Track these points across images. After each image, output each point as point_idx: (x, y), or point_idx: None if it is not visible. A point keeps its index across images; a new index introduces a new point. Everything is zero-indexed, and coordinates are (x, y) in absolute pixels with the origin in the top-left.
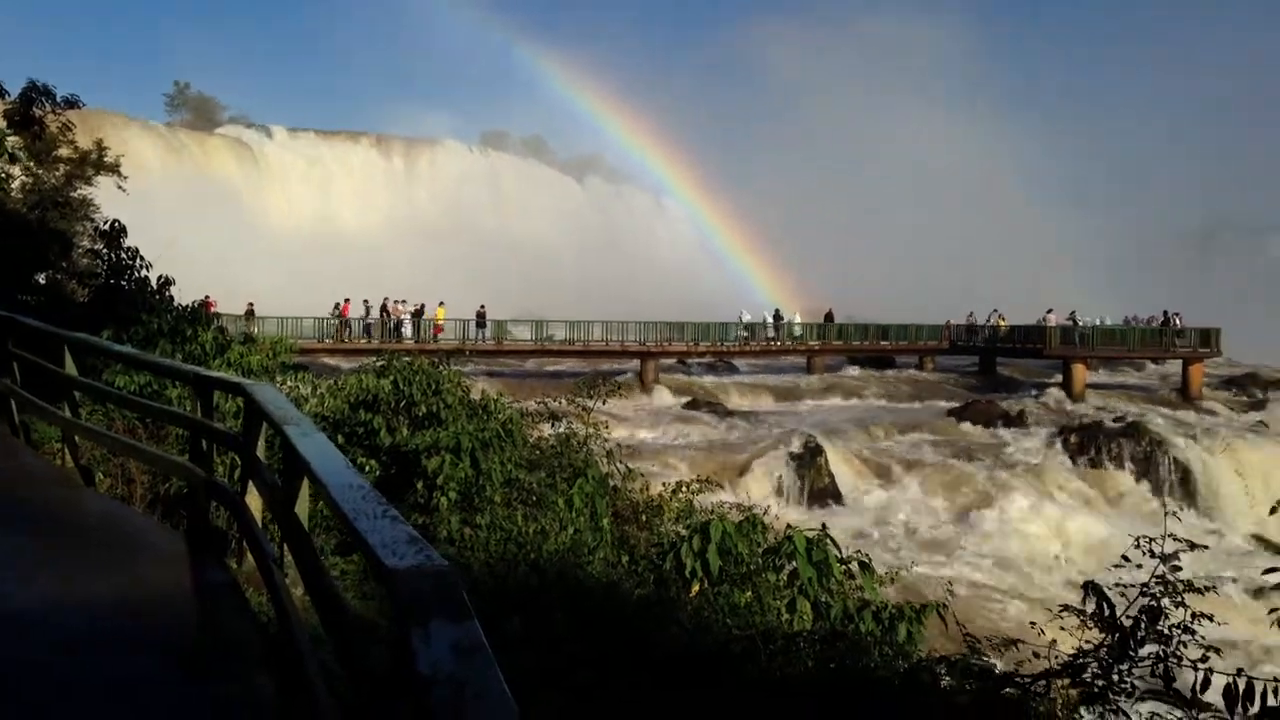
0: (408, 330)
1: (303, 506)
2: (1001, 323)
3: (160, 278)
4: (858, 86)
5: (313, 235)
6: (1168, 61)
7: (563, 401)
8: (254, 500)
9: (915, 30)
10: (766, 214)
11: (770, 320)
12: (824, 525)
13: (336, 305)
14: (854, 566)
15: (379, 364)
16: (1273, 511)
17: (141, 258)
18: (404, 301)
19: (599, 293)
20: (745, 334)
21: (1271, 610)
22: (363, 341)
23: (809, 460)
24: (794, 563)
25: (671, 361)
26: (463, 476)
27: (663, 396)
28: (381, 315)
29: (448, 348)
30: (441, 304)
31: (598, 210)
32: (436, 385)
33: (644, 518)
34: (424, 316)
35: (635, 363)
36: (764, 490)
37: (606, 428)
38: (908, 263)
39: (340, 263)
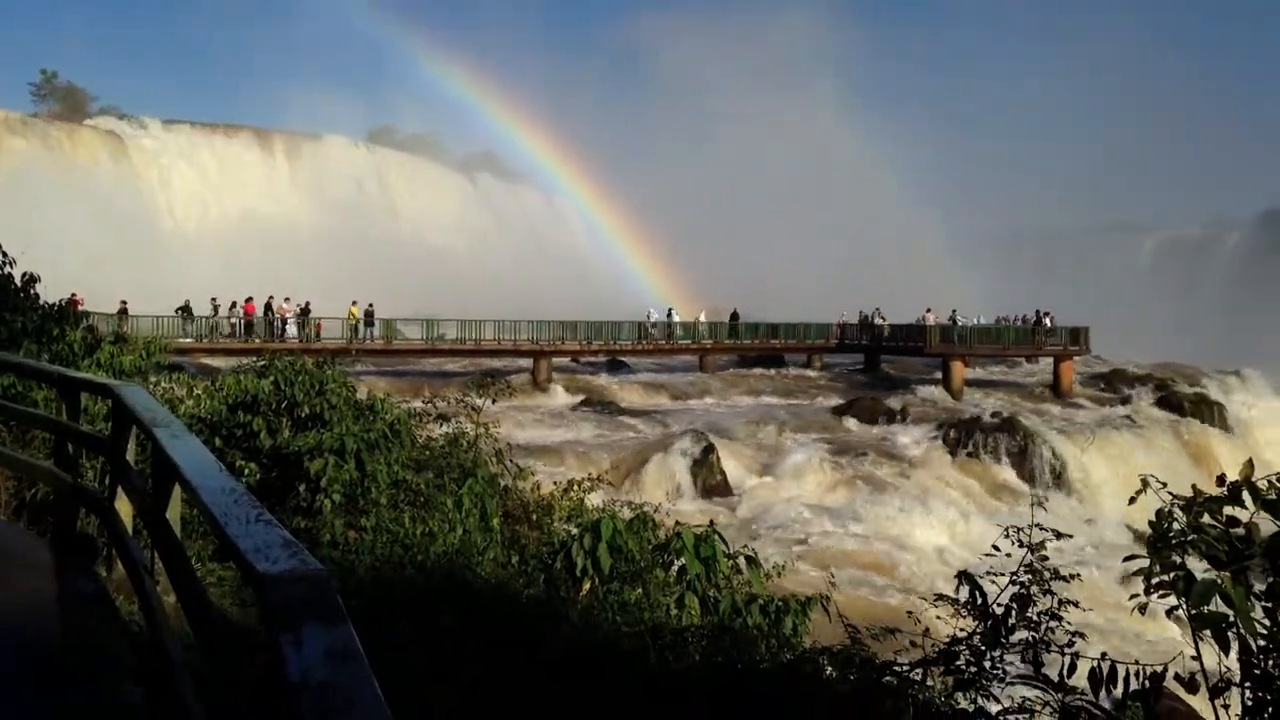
0: (292, 330)
1: (174, 512)
2: (881, 321)
3: (25, 275)
4: (751, 84)
5: (189, 232)
6: (1047, 63)
7: (451, 401)
8: (124, 506)
9: (809, 28)
10: (661, 212)
11: (668, 319)
12: (712, 522)
13: (213, 302)
14: (741, 561)
15: (259, 364)
16: (1131, 501)
17: (4, 254)
18: (288, 300)
19: (491, 291)
20: (655, 332)
21: (1132, 596)
22: (254, 341)
23: (701, 458)
24: (683, 559)
25: (565, 360)
26: (347, 478)
27: (556, 395)
28: (266, 315)
29: (333, 347)
30: (354, 303)
31: (490, 208)
32: (320, 385)
33: (535, 517)
34: (310, 315)
35: (528, 362)
36: (657, 488)
37: (497, 427)
38: (804, 262)
39: (218, 261)
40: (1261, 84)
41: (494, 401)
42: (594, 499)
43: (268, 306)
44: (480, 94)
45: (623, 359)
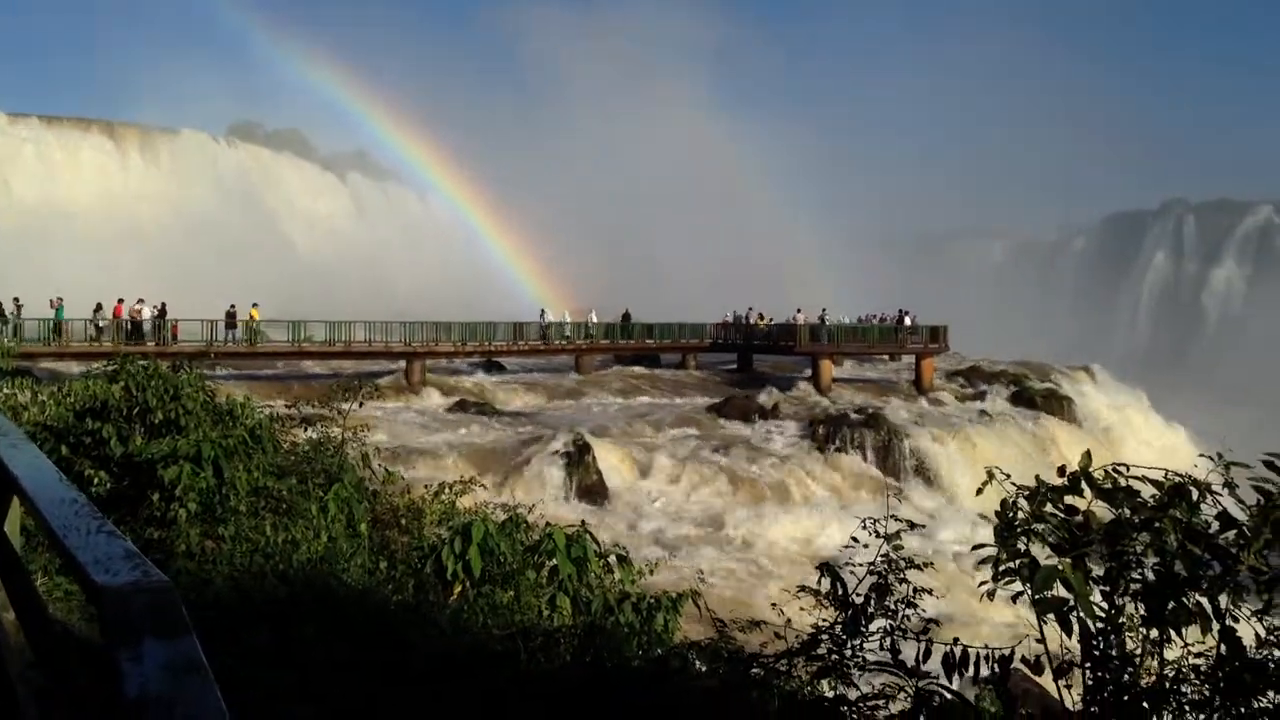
0: (147, 331)
1: (13, 525)
2: (760, 321)
3: None
4: (629, 83)
5: (37, 229)
6: (913, 71)
7: (316, 405)
8: None
9: (687, 24)
10: (539, 211)
11: (541, 320)
12: (584, 522)
13: (51, 303)
14: (613, 560)
15: (110, 368)
16: (978, 492)
17: None
18: (142, 301)
19: (362, 292)
20: (547, 332)
21: (981, 584)
22: (109, 345)
23: (577, 458)
24: (555, 560)
25: (440, 362)
26: (204, 486)
27: (430, 397)
28: (112, 316)
29: (191, 350)
30: (255, 305)
31: (360, 207)
32: (175, 390)
33: (404, 522)
34: (166, 316)
35: (401, 364)
36: (532, 489)
37: (367, 431)
38: (687, 261)
39: (69, 260)
40: (1108, 95)
41: (361, 404)
42: (466, 502)
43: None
44: (350, 90)
45: (499, 360)
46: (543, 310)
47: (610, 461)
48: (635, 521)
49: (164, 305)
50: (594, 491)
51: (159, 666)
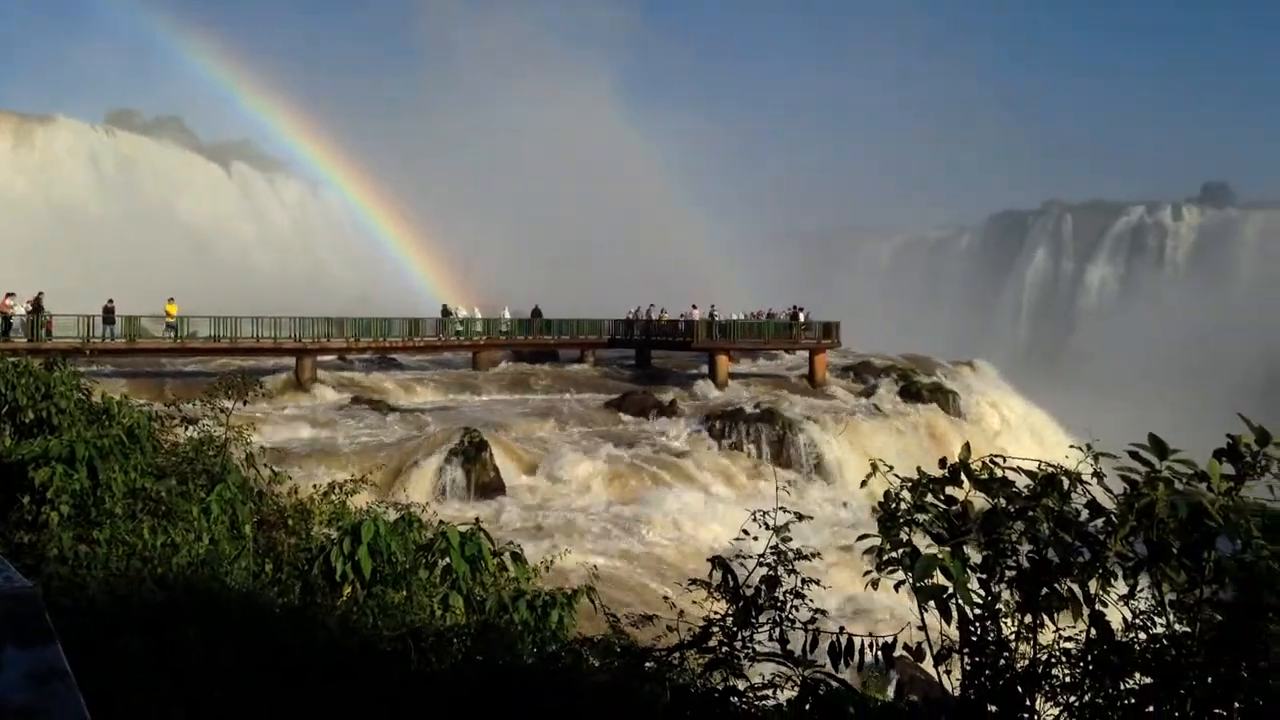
0: (17, 327)
1: None
2: (662, 317)
3: None
4: (532, 72)
5: None
6: (807, 70)
7: (198, 403)
8: None
9: (590, 19)
10: (436, 205)
11: (441, 316)
12: (478, 519)
13: None
14: (507, 558)
15: None
16: (863, 484)
17: None
18: (13, 295)
19: (250, 285)
20: (444, 327)
21: (866, 573)
22: None
23: (473, 455)
24: (448, 559)
25: (331, 359)
26: (77, 488)
27: (321, 395)
28: None
29: (65, 347)
30: (171, 300)
31: (247, 198)
32: (47, 388)
33: (291, 522)
34: (42, 311)
35: (291, 360)
36: (427, 487)
37: (253, 429)
38: (588, 256)
39: None
40: (994, 96)
41: (245, 402)
42: (357, 501)
43: None
44: (234, 76)
45: (394, 357)
46: (444, 306)
47: (507, 458)
48: (532, 518)
49: (39, 299)
50: (490, 488)
51: (20, 675)
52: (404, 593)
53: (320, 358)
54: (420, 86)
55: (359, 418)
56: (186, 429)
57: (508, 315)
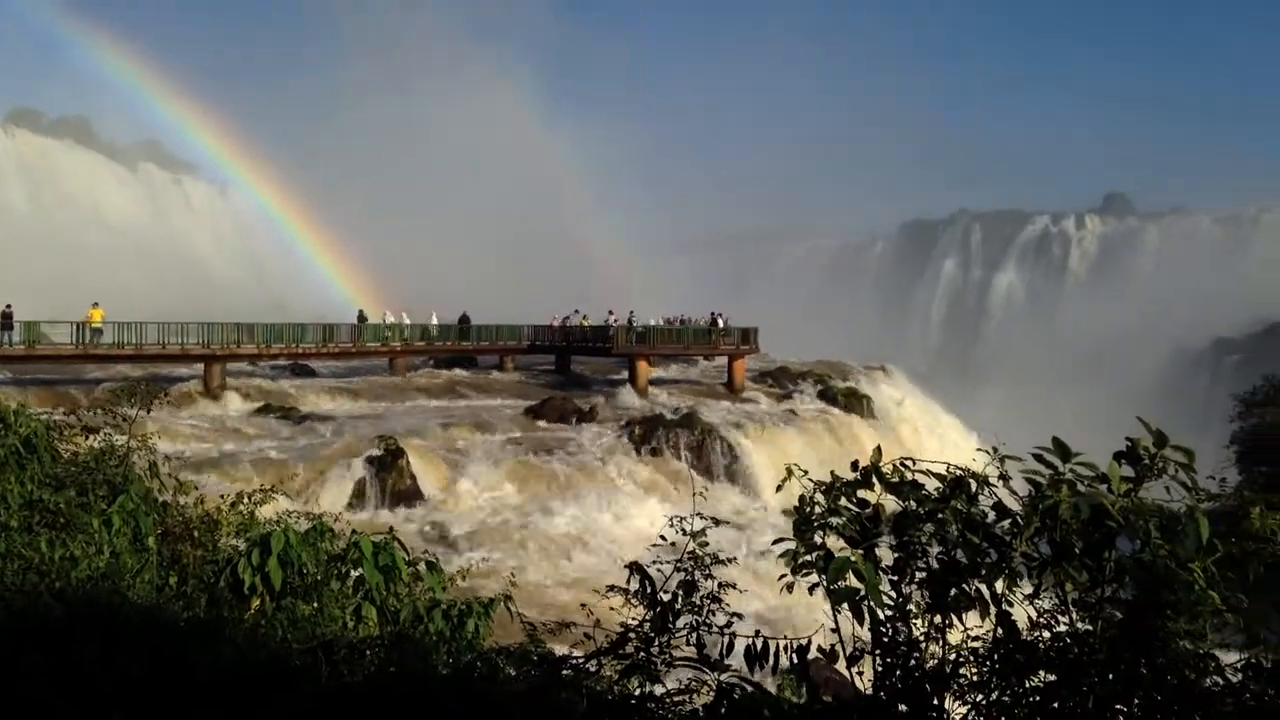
0: None
1: None
2: (584, 323)
3: None
4: (450, 74)
5: None
6: (727, 78)
7: (100, 411)
8: None
9: (509, 21)
10: (352, 208)
11: (358, 322)
12: (392, 529)
13: None
14: (422, 567)
15: None
16: (778, 488)
17: None
18: None
19: (156, 290)
20: (360, 334)
21: (781, 577)
22: None
23: (389, 462)
24: (361, 569)
25: (242, 366)
26: None
27: (231, 403)
28: None
29: None
30: (96, 305)
31: (154, 201)
32: None
33: (197, 534)
34: None
35: (200, 367)
36: (341, 495)
37: (158, 438)
38: (513, 262)
39: None
40: (906, 105)
41: (149, 410)
42: (267, 511)
43: None
44: (139, 75)
45: (308, 363)
46: (360, 312)
47: (424, 466)
48: (449, 526)
49: None
50: (407, 496)
51: None
52: (315, 604)
53: (230, 365)
54: (331, 86)
55: (270, 426)
56: (87, 438)
57: (435, 321)
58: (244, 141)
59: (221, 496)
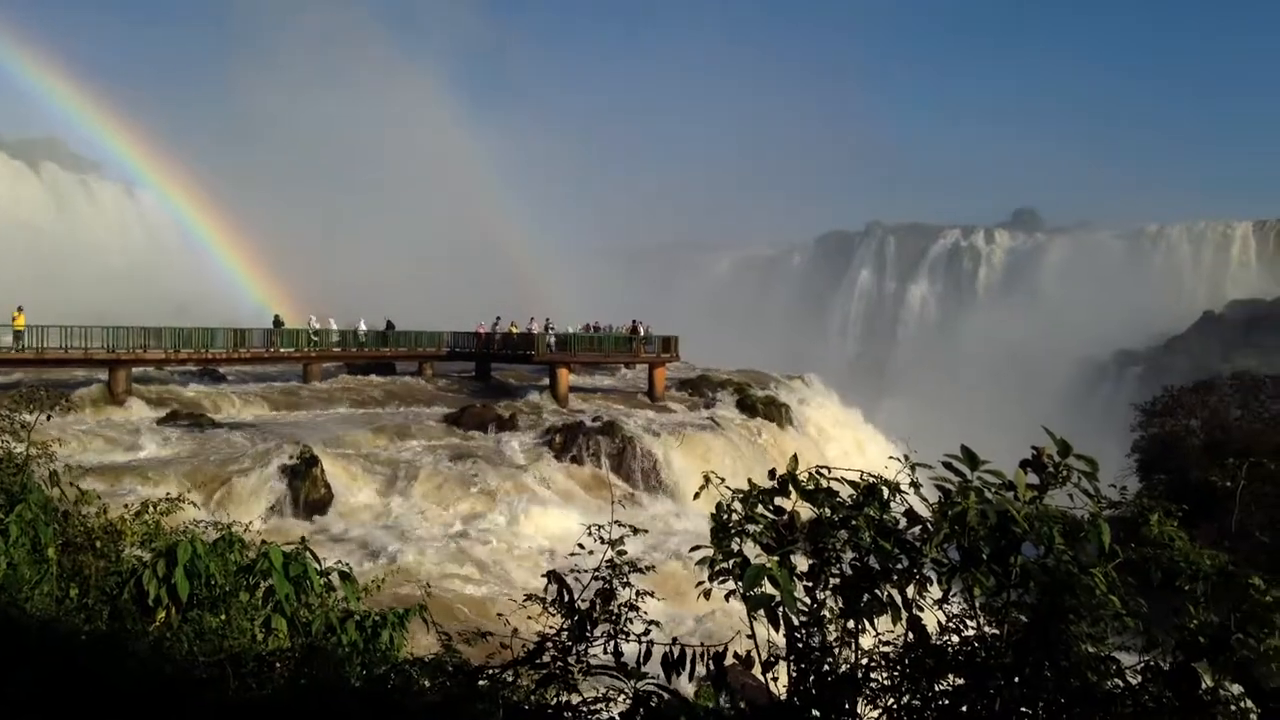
0: None
1: None
2: (513, 330)
3: None
4: (368, 70)
5: None
6: (646, 89)
7: None
8: None
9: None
10: (266, 213)
11: (274, 326)
12: (304, 538)
13: None
14: (335, 577)
15: None
16: (696, 496)
17: None
18: None
19: (58, 293)
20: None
21: (699, 584)
22: None
23: (303, 470)
24: (271, 580)
25: (148, 371)
26: None
27: (137, 409)
28: None
29: None
30: (20, 309)
31: (57, 201)
32: None
33: (100, 545)
34: None
35: (104, 372)
36: (252, 504)
37: (58, 446)
38: (428, 264)
39: None
40: (823, 119)
41: (49, 417)
42: (174, 521)
43: None
44: (40, 70)
45: (218, 369)
46: (276, 316)
47: (339, 473)
48: (365, 535)
49: None
50: (321, 505)
51: None
52: (223, 616)
53: (136, 370)
54: (245, 85)
55: (178, 433)
56: None
57: (364, 327)
58: (151, 140)
59: (126, 506)
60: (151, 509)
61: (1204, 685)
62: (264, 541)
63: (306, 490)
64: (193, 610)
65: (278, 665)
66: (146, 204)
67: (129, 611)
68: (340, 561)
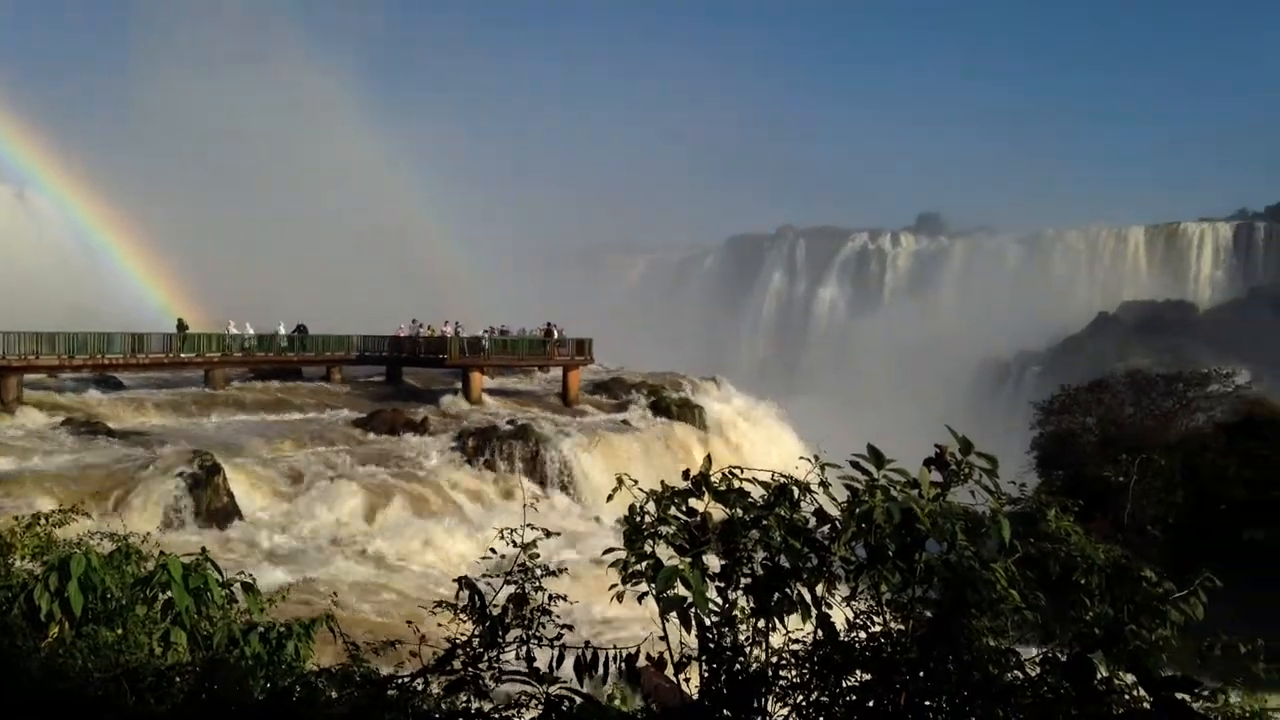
0: None
1: None
2: (431, 331)
3: None
4: (270, 65)
5: None
6: (566, 94)
7: None
8: None
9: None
10: (168, 215)
11: (179, 331)
12: (204, 549)
13: None
14: (238, 589)
15: None
16: (609, 498)
17: None
18: None
19: None
20: (176, 344)
21: (612, 586)
22: None
23: (204, 479)
24: (170, 592)
25: (42, 377)
26: None
27: (29, 417)
28: None
29: None
30: None
31: None
32: None
33: None
34: None
35: None
36: (151, 515)
37: None
38: (342, 268)
39: None
40: (734, 123)
41: None
42: (68, 532)
43: None
44: None
45: (116, 375)
46: (179, 320)
47: (243, 482)
48: (270, 544)
49: None
50: (224, 514)
51: None
52: (120, 631)
53: (28, 376)
54: (145, 85)
55: (72, 441)
56: None
57: (283, 331)
58: (44, 141)
59: (16, 517)
60: (44, 521)
61: (1099, 675)
62: (163, 553)
63: (208, 499)
64: (87, 625)
65: (177, 680)
66: (38, 206)
67: (19, 628)
68: (243, 572)
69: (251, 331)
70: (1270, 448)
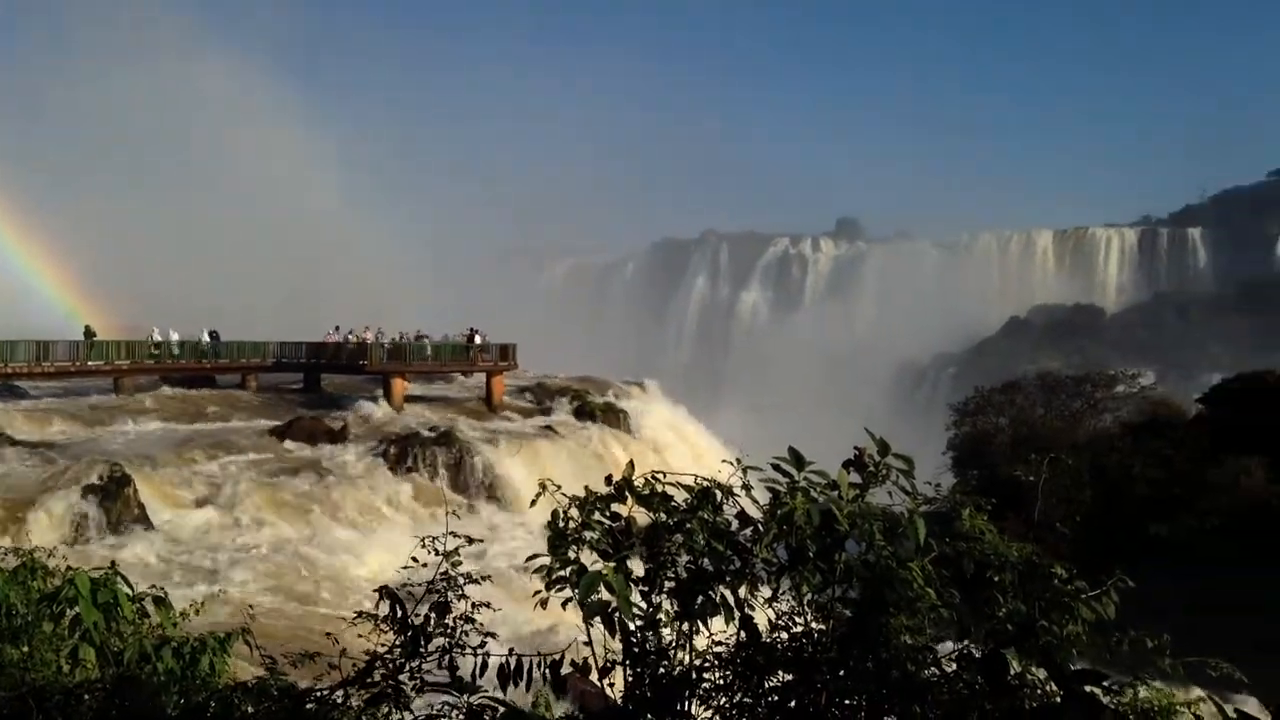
0: None
1: None
2: (355, 339)
3: None
4: (173, 56)
5: None
6: (489, 98)
7: None
8: None
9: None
10: (74, 218)
11: (86, 338)
12: (114, 563)
13: None
14: (149, 603)
15: None
16: (533, 504)
17: None
18: None
19: None
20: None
21: (536, 593)
22: None
23: (114, 491)
24: (78, 608)
25: None
26: None
27: None
28: None
29: None
30: None
31: None
32: None
33: None
34: None
35: None
36: (56, 529)
37: None
38: (256, 272)
39: None
40: (657, 127)
41: None
42: None
43: None
44: None
45: (17, 384)
46: (87, 327)
47: (154, 493)
48: (184, 557)
49: None
50: (134, 527)
51: None
52: (25, 649)
53: None
54: (46, 80)
55: None
56: None
57: (206, 338)
58: None
59: None
60: None
61: (1012, 671)
62: (70, 568)
63: (118, 511)
64: None
65: (86, 698)
66: None
67: None
68: (155, 586)
69: (176, 337)
70: (1173, 447)
